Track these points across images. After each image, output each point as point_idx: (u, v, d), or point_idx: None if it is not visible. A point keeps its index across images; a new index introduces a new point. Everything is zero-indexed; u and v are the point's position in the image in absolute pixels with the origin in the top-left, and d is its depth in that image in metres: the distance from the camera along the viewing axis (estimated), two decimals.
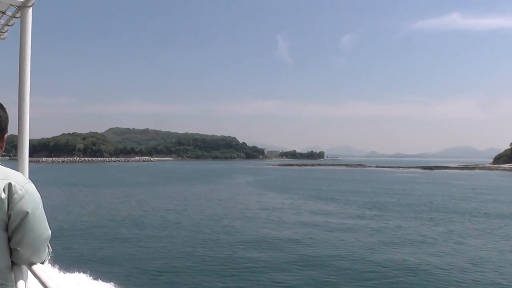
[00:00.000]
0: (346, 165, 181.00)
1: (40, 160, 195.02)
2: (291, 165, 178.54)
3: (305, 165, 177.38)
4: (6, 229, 2.11)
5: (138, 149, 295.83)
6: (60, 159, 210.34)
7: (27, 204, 2.10)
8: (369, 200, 44.92)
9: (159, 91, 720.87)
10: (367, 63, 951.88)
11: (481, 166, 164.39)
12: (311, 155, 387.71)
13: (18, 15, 3.19)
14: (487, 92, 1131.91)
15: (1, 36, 3.99)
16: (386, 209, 37.31)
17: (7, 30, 3.83)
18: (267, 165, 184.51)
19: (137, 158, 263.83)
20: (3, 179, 2.07)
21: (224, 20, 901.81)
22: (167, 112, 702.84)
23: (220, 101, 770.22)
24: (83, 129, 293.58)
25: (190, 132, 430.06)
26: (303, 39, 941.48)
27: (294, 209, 37.49)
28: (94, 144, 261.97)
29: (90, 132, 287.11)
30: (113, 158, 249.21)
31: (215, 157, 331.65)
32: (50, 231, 2.28)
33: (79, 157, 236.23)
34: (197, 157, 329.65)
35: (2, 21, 3.62)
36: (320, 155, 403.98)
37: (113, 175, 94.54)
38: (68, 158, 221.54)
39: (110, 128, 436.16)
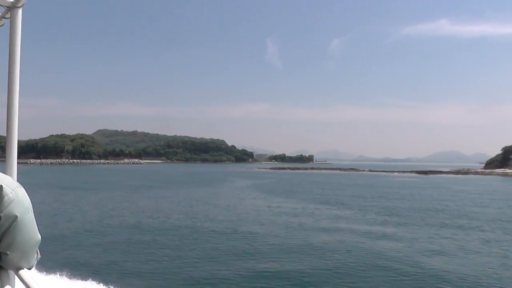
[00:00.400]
0: (339, 169, 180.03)
1: (28, 162, 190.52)
2: (284, 168, 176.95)
3: (298, 168, 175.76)
4: None
5: (127, 151, 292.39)
6: (49, 160, 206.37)
7: (17, 208, 2.05)
8: (383, 205, 43.52)
9: (148, 94, 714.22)
10: (356, 68, 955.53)
11: (474, 171, 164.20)
12: (300, 159, 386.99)
13: (7, 15, 3.08)
14: (474, 98, 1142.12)
15: None
16: (406, 216, 35.87)
17: None
18: (259, 168, 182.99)
19: (126, 160, 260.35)
20: None
21: (213, 24, 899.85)
22: (155, 114, 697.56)
23: (209, 104, 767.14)
24: (70, 131, 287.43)
25: (178, 135, 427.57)
26: (293, 43, 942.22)
27: (309, 215, 35.93)
28: (83, 146, 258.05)
29: (78, 133, 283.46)
30: (102, 161, 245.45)
31: (205, 160, 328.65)
32: (40, 236, 2.22)
33: (68, 159, 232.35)
34: (187, 160, 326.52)
35: None
36: (310, 158, 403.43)
37: (105, 178, 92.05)
38: (57, 160, 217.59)
39: (99, 130, 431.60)
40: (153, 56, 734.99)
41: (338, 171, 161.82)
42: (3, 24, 3.37)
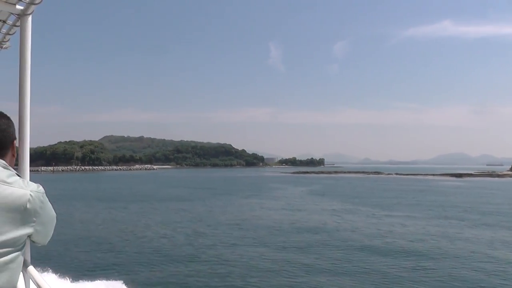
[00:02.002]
0: (364, 172, 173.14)
1: (39, 170, 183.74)
2: (308, 172, 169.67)
3: (322, 172, 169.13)
4: (24, 242, 2.20)
5: (137, 157, 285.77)
6: (60, 168, 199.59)
7: (47, 210, 2.24)
8: (481, 215, 38.06)
9: (151, 99, 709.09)
10: (359, 70, 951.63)
11: (502, 173, 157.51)
12: (311, 162, 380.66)
13: (18, 23, 3.21)
14: (479, 99, 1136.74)
15: (4, 46, 4.02)
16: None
17: (8, 39, 3.85)
18: (281, 173, 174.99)
19: (137, 166, 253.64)
20: (25, 189, 2.13)
21: (216, 28, 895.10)
22: (159, 120, 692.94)
23: (212, 109, 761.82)
24: (77, 138, 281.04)
25: (185, 140, 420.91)
26: (296, 47, 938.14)
27: (405, 225, 32.08)
28: (92, 152, 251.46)
29: (85, 140, 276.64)
30: (114, 167, 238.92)
31: (215, 165, 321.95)
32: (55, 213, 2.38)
33: (78, 165, 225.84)
34: (196, 165, 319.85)
35: (4, 30, 3.65)
36: (320, 162, 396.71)
37: (131, 186, 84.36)
38: (68, 167, 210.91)
39: (105, 136, 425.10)
40: (154, 61, 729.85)
41: (364, 175, 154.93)
42: (14, 32, 3.52)
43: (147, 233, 28.58)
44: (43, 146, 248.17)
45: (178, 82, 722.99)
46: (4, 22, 3.46)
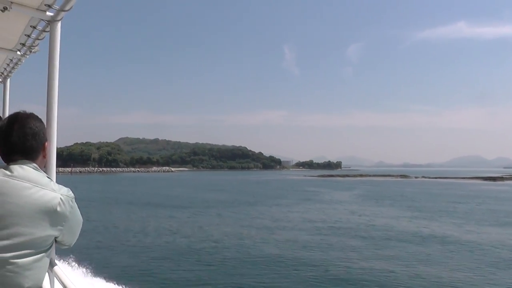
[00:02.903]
0: (390, 175, 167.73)
1: (57, 171, 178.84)
2: (332, 176, 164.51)
3: (347, 176, 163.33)
4: (52, 243, 2.31)
5: (154, 159, 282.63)
6: (78, 169, 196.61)
7: (75, 214, 2.36)
8: None
9: (166, 101, 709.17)
10: (373, 73, 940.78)
11: None
12: (328, 165, 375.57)
13: (48, 29, 3.33)
14: (494, 101, 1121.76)
15: (33, 50, 4.24)
16: None
17: (38, 44, 4.03)
18: (305, 176, 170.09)
19: (155, 168, 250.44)
20: (56, 192, 2.24)
21: (231, 31, 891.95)
22: (174, 122, 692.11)
23: (227, 111, 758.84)
24: (92, 139, 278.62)
25: (200, 142, 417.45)
26: (310, 49, 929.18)
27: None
28: (109, 153, 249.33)
29: (100, 142, 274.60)
30: (132, 169, 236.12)
31: (232, 168, 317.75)
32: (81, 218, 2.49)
33: (94, 167, 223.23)
34: (213, 168, 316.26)
35: (34, 35, 3.82)
36: (338, 165, 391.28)
37: (162, 189, 80.00)
38: (86, 169, 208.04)
39: (120, 138, 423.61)
40: (170, 63, 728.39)
41: (392, 178, 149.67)
42: (44, 37, 3.67)
43: (224, 243, 25.06)
44: (59, 147, 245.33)
45: (192, 85, 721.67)
46: (34, 27, 3.60)
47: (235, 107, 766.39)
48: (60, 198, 2.23)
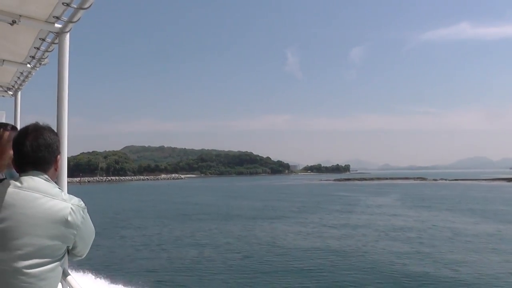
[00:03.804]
0: (407, 178, 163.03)
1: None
2: (349, 179, 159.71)
3: (364, 179, 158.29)
4: (64, 253, 2.34)
5: (162, 167, 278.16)
6: (86, 179, 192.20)
7: (87, 224, 2.38)
8: None
9: (171, 109, 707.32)
10: (377, 75, 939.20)
11: None
12: (336, 169, 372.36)
13: (56, 41, 3.38)
14: (499, 102, 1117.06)
15: (43, 62, 4.31)
16: None
17: (47, 56, 4.08)
18: (321, 180, 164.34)
19: (163, 175, 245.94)
20: (67, 202, 2.27)
21: (233, 36, 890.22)
22: (179, 129, 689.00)
23: (231, 117, 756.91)
24: (98, 149, 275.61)
25: (206, 148, 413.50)
26: (312, 53, 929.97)
27: None
28: (117, 162, 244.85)
29: (106, 151, 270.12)
30: (141, 177, 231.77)
31: (240, 173, 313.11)
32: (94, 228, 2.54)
33: (102, 176, 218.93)
34: (221, 174, 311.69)
35: (43, 47, 3.84)
36: (346, 168, 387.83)
37: (184, 197, 75.11)
38: (94, 178, 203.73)
39: (126, 147, 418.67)
40: (172, 69, 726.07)
41: (410, 181, 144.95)
42: (53, 49, 3.70)
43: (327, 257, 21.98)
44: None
45: (196, 91, 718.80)
46: (43, 40, 3.62)
47: (239, 112, 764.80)
48: (71, 208, 2.25)
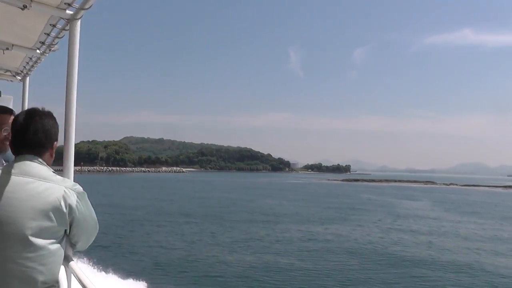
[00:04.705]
0: (416, 181, 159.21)
1: (62, 169, 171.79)
2: (358, 180, 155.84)
3: (373, 180, 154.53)
4: (64, 233, 2.33)
5: (163, 159, 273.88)
6: (86, 168, 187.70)
7: (85, 212, 2.35)
8: None
9: (171, 101, 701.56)
10: (378, 77, 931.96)
11: None
12: (337, 169, 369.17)
13: (67, 27, 3.35)
14: (498, 109, 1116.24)
15: (52, 48, 4.27)
16: None
17: (57, 42, 4.05)
18: (329, 180, 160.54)
19: (164, 168, 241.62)
20: (59, 185, 2.25)
21: (235, 33, 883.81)
22: (178, 123, 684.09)
23: (231, 113, 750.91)
24: (97, 138, 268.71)
25: (205, 143, 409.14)
26: (315, 52, 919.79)
27: None
28: (117, 152, 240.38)
29: (105, 140, 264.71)
30: (142, 168, 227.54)
31: (240, 169, 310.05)
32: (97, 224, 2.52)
33: (102, 166, 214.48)
34: (221, 169, 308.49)
35: (53, 33, 3.81)
36: (347, 168, 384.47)
37: (200, 192, 70.90)
38: (94, 168, 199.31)
39: (125, 137, 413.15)
40: (174, 64, 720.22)
41: (418, 184, 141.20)
42: (63, 36, 3.67)
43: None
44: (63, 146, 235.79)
45: (197, 85, 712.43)
46: (54, 26, 3.58)
47: (239, 109, 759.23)
48: (64, 191, 2.23)
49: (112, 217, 33.67)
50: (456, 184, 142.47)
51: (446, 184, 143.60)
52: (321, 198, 64.81)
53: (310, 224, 33.93)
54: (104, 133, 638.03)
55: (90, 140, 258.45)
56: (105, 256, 17.59)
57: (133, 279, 15.47)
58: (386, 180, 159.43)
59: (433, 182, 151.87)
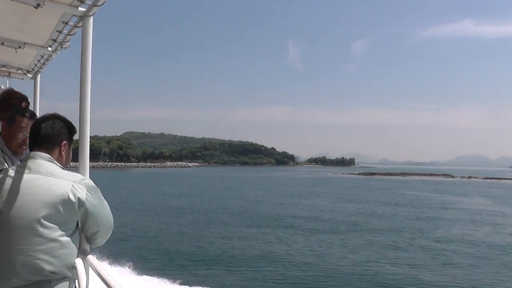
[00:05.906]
0: (432, 174, 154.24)
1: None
2: (374, 174, 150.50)
3: (390, 174, 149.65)
4: (76, 226, 2.43)
5: (167, 154, 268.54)
6: (90, 164, 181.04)
7: (97, 206, 2.44)
8: None
9: (171, 96, 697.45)
10: (378, 70, 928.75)
11: None
12: (341, 162, 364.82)
13: (79, 24, 3.35)
14: (498, 100, 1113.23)
15: (64, 45, 4.26)
16: None
17: (69, 40, 4.04)
18: (343, 173, 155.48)
19: (169, 163, 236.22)
20: (67, 180, 2.35)
21: (235, 26, 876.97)
22: (178, 117, 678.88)
23: (231, 106, 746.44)
24: (98, 133, 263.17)
25: (206, 137, 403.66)
26: (314, 45, 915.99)
27: None
28: (120, 148, 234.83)
29: (106, 136, 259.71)
30: (147, 164, 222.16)
31: (244, 163, 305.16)
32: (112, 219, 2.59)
33: (105, 161, 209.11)
34: (225, 163, 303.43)
35: (65, 31, 3.79)
36: (351, 162, 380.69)
37: (232, 191, 66.38)
38: (98, 163, 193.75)
39: (126, 132, 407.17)
40: (173, 58, 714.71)
41: (435, 177, 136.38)
42: (75, 33, 3.64)
43: None
44: None
45: (197, 80, 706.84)
46: (66, 23, 3.56)
47: (239, 102, 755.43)
48: (72, 185, 2.33)
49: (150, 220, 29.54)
50: (476, 177, 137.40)
51: (464, 177, 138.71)
52: (371, 194, 59.91)
53: (414, 227, 30.32)
54: (105, 128, 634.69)
55: (92, 135, 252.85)
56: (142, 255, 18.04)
57: (166, 277, 15.48)
58: (403, 174, 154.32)
59: (451, 176, 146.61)
